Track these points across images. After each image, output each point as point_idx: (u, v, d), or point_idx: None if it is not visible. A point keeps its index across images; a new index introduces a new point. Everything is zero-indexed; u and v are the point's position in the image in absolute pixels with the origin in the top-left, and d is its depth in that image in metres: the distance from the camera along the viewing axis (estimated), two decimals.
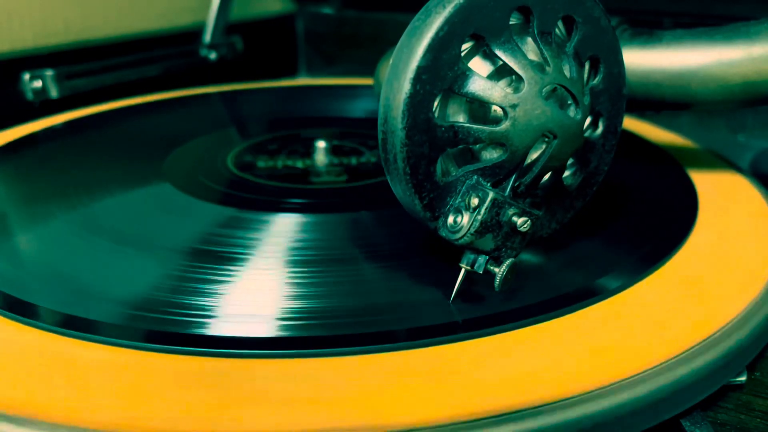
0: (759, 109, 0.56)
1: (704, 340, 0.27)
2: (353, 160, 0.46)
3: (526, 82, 0.26)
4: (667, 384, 0.25)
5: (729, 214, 0.38)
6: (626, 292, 0.30)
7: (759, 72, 0.34)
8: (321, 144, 0.46)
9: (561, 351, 0.26)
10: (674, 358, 0.25)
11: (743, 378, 0.28)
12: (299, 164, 0.45)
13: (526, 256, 0.32)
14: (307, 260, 0.32)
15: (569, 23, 0.28)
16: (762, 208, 0.38)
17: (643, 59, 0.37)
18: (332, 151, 0.47)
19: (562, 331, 0.27)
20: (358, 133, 0.51)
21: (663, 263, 0.32)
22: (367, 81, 0.53)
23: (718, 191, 0.40)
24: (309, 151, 0.47)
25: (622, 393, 0.24)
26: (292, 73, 0.81)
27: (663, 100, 0.37)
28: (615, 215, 0.37)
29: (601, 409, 0.23)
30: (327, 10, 0.77)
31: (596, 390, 0.24)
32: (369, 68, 0.50)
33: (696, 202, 0.38)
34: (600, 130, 0.30)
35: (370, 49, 0.70)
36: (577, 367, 0.25)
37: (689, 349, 0.26)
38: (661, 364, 0.25)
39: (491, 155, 0.27)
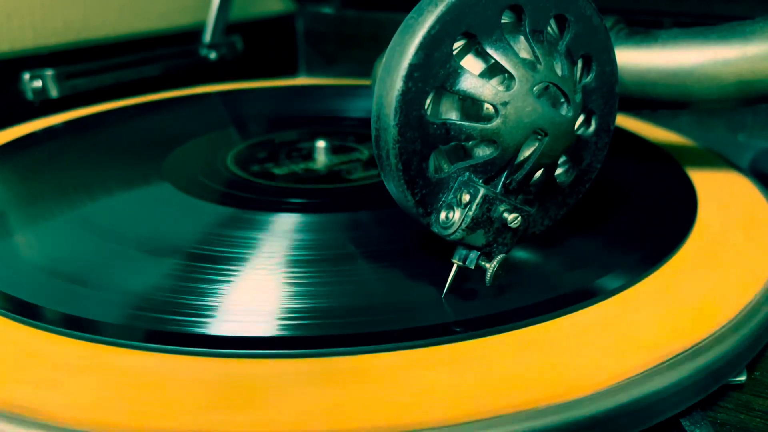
0: (758, 109, 0.56)
1: (704, 340, 0.26)
2: (353, 160, 0.46)
3: (517, 79, 0.26)
4: (667, 384, 0.24)
5: (728, 213, 0.37)
6: (626, 292, 0.30)
7: (754, 71, 0.34)
8: (321, 144, 0.46)
9: (561, 351, 0.26)
10: (674, 357, 0.25)
11: (743, 378, 0.28)
12: (299, 164, 0.45)
13: (526, 256, 0.32)
14: (307, 260, 0.32)
15: (561, 22, 0.28)
16: (762, 208, 0.38)
17: (639, 58, 0.37)
18: (332, 151, 0.47)
19: (562, 331, 0.27)
20: (358, 133, 0.51)
21: (663, 263, 0.32)
22: (368, 81, 0.53)
23: (717, 191, 0.40)
24: (309, 151, 0.47)
25: (621, 393, 0.24)
26: (292, 72, 0.81)
27: (659, 99, 0.37)
28: (614, 215, 0.37)
29: (601, 409, 0.23)
30: (327, 10, 0.77)
31: (596, 390, 0.24)
32: (369, 68, 0.50)
33: (696, 201, 0.38)
34: (593, 128, 0.30)
35: (370, 49, 0.70)
36: (576, 368, 0.25)
37: (689, 348, 0.26)
38: (660, 363, 0.25)
39: (483, 152, 0.27)
